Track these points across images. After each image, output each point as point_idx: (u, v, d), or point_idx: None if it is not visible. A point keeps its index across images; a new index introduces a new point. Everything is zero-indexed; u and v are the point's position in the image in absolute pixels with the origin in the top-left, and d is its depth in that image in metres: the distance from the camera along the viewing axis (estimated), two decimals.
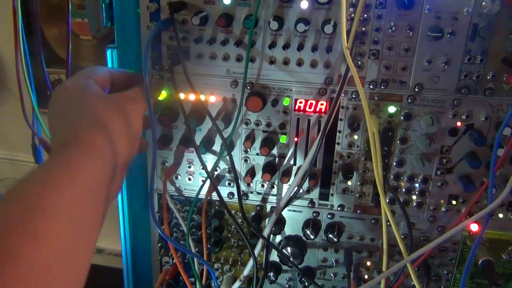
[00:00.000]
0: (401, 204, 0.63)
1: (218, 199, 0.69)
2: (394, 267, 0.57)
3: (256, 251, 0.66)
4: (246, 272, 0.67)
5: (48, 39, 1.50)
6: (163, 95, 0.68)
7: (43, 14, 1.49)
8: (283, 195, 0.70)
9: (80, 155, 0.43)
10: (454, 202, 0.66)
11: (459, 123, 0.62)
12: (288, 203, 0.64)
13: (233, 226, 0.74)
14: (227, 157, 0.69)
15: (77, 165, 0.42)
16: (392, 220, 0.57)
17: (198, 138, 0.69)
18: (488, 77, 0.59)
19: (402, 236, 0.69)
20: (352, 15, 0.59)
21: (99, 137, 0.46)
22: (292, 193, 0.63)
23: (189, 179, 0.72)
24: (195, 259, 0.71)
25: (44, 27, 1.52)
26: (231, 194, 0.72)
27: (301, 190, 0.69)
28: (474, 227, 0.63)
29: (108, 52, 0.70)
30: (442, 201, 0.66)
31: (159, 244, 0.77)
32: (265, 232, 0.65)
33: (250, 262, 0.67)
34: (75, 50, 1.57)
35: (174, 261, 0.77)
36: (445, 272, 0.71)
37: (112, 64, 0.70)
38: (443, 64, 0.59)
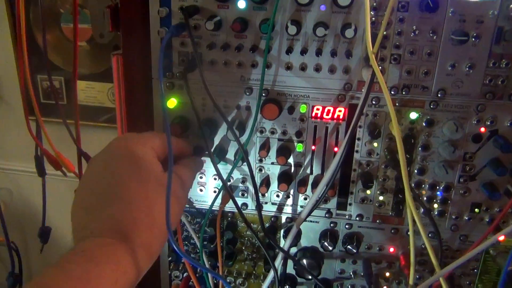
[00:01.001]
0: (430, 214, 0.61)
1: (230, 210, 0.67)
2: (427, 281, 0.55)
3: (277, 264, 0.63)
4: (265, 286, 0.64)
5: (41, 45, 1.47)
6: (173, 103, 0.65)
7: (35, 19, 1.46)
8: (298, 205, 0.68)
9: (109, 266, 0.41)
10: (477, 210, 0.64)
11: (483, 129, 0.60)
12: (309, 214, 0.61)
13: (246, 238, 0.71)
14: (240, 166, 0.67)
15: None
16: (423, 231, 0.55)
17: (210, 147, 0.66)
18: None
19: (423, 246, 0.67)
20: (373, 18, 0.57)
21: (139, 251, 0.43)
22: (314, 205, 0.60)
23: (201, 190, 0.69)
24: (209, 274, 0.68)
25: (36, 33, 1.48)
26: (244, 205, 0.69)
27: None
28: (500, 236, 0.61)
29: (114, 59, 0.67)
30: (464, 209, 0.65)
31: (169, 258, 0.74)
32: (286, 245, 0.63)
33: (270, 276, 0.64)
34: (68, 55, 1.54)
35: (184, 275, 0.74)
36: (467, 282, 0.69)
37: (117, 70, 0.68)
38: (467, 69, 0.57)
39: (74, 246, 0.42)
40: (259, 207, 0.62)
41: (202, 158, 0.66)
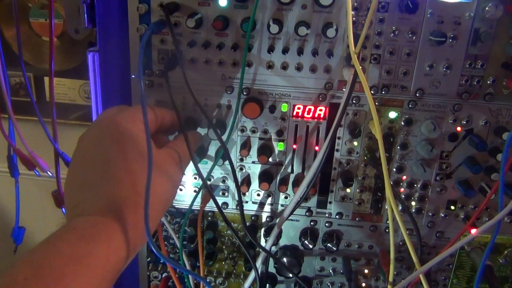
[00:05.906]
0: (409, 211, 0.62)
1: (211, 210, 0.66)
2: (408, 278, 0.56)
3: (258, 264, 0.63)
4: (247, 285, 0.64)
5: (8, 40, 1.42)
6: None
7: (1, 13, 1.41)
8: (279, 204, 0.68)
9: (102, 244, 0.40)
10: (452, 207, 0.66)
11: (459, 128, 0.62)
12: (291, 213, 0.61)
13: (227, 238, 0.71)
14: (221, 165, 0.66)
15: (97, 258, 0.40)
16: (403, 229, 0.56)
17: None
18: (488, 82, 0.59)
19: (400, 243, 0.69)
20: (354, 18, 0.58)
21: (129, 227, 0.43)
22: (297, 203, 0.61)
23: (180, 190, 0.68)
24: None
25: (3, 27, 1.43)
26: (225, 204, 0.69)
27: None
28: (474, 232, 0.63)
29: (90, 56, 0.66)
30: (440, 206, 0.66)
31: (148, 259, 0.73)
32: (267, 245, 0.63)
33: (251, 275, 0.64)
34: (38, 51, 1.49)
35: (163, 275, 0.73)
36: (442, 277, 0.71)
37: (93, 67, 0.66)
38: (444, 69, 0.59)
39: (65, 224, 0.42)
40: (241, 206, 0.62)
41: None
